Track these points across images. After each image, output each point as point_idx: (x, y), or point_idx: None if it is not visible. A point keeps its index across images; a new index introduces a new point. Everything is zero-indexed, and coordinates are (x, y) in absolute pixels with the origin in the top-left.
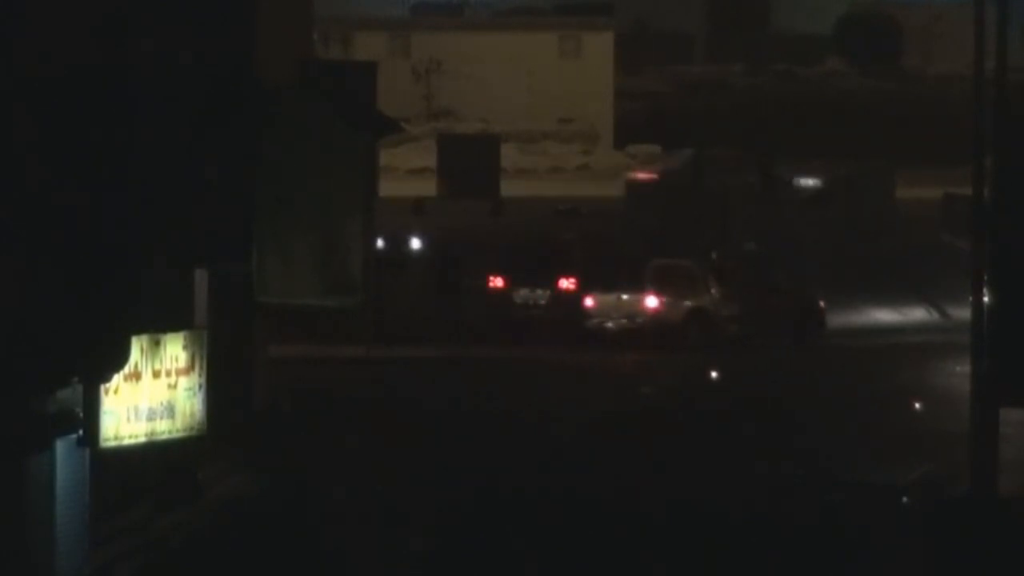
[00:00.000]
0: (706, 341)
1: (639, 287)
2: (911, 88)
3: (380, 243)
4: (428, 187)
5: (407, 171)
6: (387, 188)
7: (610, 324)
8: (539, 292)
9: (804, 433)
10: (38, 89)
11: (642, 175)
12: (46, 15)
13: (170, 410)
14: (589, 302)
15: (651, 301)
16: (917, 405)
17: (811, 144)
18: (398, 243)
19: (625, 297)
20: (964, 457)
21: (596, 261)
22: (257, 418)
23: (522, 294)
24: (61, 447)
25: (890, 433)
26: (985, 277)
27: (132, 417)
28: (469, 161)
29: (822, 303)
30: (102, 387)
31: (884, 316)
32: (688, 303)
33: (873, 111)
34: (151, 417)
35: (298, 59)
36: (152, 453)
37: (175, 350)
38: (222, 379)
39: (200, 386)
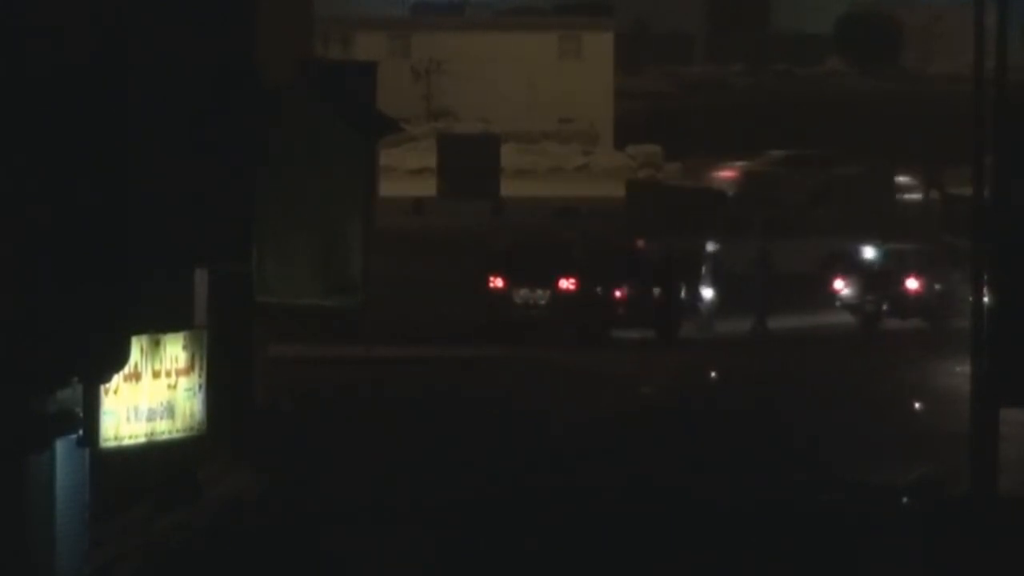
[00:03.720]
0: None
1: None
2: (911, 88)
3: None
4: (428, 187)
5: (407, 171)
6: (387, 188)
7: (865, 304)
8: (539, 292)
9: None
10: (37, 88)
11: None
12: (45, 14)
13: (170, 410)
14: (839, 284)
15: (912, 283)
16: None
17: (811, 144)
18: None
19: (882, 279)
20: (964, 457)
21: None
22: (257, 418)
23: (522, 294)
24: (61, 447)
25: None
26: (985, 277)
27: (132, 417)
28: (469, 161)
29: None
30: (102, 387)
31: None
32: (937, 286)
33: (873, 111)
34: (151, 417)
35: (298, 59)
36: (152, 453)
37: (175, 350)
38: (222, 379)
39: (200, 386)
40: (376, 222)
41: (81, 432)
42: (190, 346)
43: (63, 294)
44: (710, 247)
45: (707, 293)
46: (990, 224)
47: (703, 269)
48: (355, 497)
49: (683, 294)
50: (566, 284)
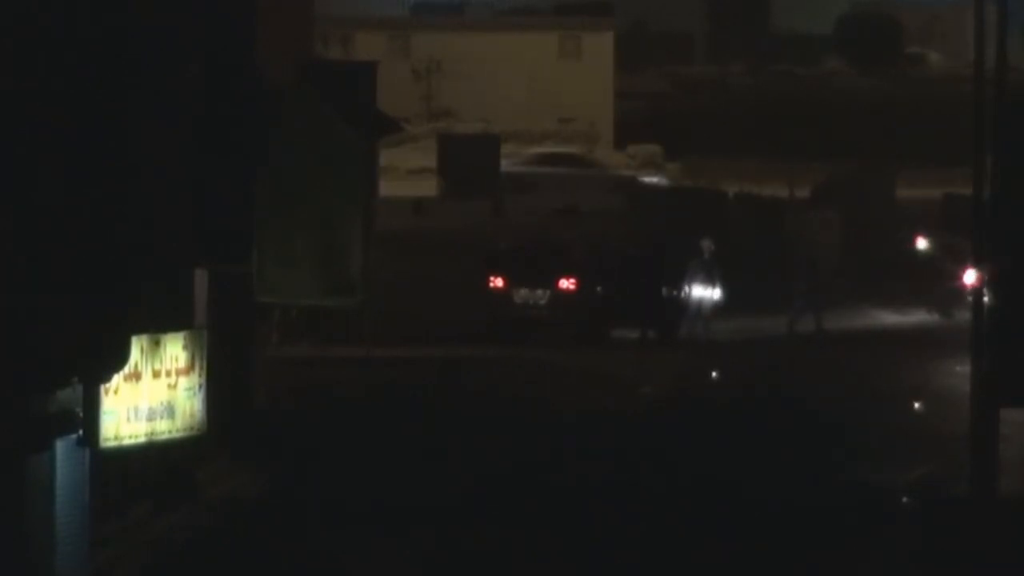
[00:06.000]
0: None
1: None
2: (911, 88)
3: None
4: (428, 187)
5: (407, 171)
6: (387, 188)
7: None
8: (539, 292)
9: None
10: (38, 90)
11: None
12: (47, 16)
13: (170, 410)
14: (971, 277)
15: None
16: None
17: (811, 144)
18: None
19: None
20: (964, 457)
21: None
22: (257, 418)
23: (522, 294)
24: (61, 447)
25: None
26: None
27: (132, 417)
28: (469, 161)
29: None
30: (102, 387)
31: (887, 317)
32: None
33: (873, 111)
34: (151, 417)
35: (298, 59)
36: (152, 453)
37: (175, 350)
38: (222, 379)
39: (200, 386)
40: (376, 222)
41: (81, 432)
42: (190, 346)
43: (63, 294)
44: (706, 244)
45: (701, 292)
46: (990, 224)
47: (686, 267)
48: (355, 497)
49: (676, 293)
50: (566, 284)
